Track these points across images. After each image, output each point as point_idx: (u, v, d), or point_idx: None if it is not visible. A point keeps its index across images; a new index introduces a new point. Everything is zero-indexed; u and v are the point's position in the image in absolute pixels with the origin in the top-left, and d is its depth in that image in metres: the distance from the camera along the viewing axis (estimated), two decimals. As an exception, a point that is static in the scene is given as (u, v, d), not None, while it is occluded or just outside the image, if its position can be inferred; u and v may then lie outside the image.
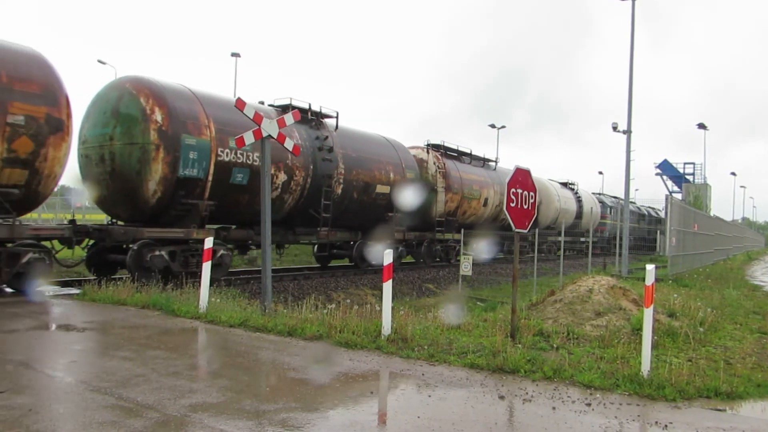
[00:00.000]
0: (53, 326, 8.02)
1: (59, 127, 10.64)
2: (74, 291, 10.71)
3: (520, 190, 7.43)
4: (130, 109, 12.66)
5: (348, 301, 10.24)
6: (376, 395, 5.45)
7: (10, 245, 10.38)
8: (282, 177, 15.13)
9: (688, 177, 61.23)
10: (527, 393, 5.31)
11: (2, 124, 9.82)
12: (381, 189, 18.58)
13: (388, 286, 7.18)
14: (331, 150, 16.73)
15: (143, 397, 4.81)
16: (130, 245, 12.37)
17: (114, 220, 13.75)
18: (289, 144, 10.04)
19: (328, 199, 16.54)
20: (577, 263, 30.85)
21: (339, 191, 17.02)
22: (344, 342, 6.93)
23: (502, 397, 5.20)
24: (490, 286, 21.88)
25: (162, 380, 5.33)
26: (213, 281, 14.30)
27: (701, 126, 50.76)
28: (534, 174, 8.10)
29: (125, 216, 13.42)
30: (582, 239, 38.24)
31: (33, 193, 10.68)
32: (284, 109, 16.26)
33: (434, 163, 23.08)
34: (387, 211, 19.07)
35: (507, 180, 7.31)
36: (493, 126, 51.02)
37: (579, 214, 36.91)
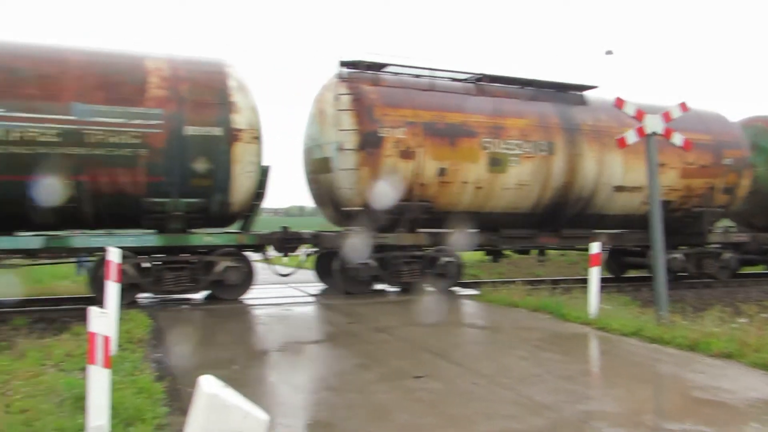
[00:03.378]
0: (459, 323, 8.98)
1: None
2: (473, 292, 11.82)
3: None
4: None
5: (764, 315, 8.74)
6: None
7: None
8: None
9: None
10: None
11: (720, 166, 14.32)
12: None
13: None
14: None
15: (540, 396, 4.98)
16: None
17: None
18: (677, 139, 9.18)
19: None
20: None
21: None
22: (763, 363, 5.94)
23: None
24: None
25: (557, 382, 5.44)
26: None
27: None
28: None
29: (761, 225, 16.53)
30: None
31: None
32: None
33: None
34: None
35: None
36: None
37: None
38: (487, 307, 10.07)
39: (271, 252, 11.55)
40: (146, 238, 10.29)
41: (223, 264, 10.49)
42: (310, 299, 11.29)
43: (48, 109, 9.31)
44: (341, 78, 11.77)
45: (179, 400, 4.84)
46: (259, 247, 11.22)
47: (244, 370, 5.92)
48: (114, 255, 6.61)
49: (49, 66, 9.63)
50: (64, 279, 14.47)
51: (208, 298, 10.83)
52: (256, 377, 5.65)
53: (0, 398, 4.83)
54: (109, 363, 3.78)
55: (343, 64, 11.88)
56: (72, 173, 9.45)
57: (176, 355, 6.55)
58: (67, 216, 9.84)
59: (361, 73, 11.81)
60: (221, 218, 10.89)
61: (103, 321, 3.76)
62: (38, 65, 9.56)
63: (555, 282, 12.82)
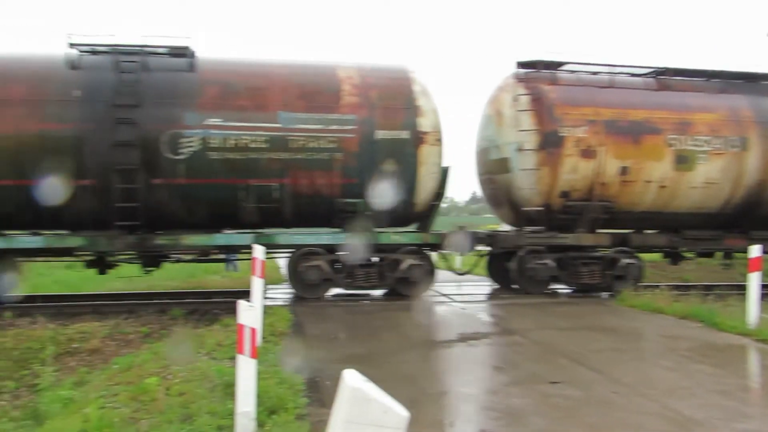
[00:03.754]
0: (601, 327, 8.52)
1: None
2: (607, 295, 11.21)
3: None
4: None
5: None
6: None
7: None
8: None
9: None
10: None
11: None
12: None
13: None
14: None
15: (690, 411, 4.62)
16: None
17: None
18: None
19: None
20: None
21: None
22: None
23: None
24: None
25: (709, 397, 5.01)
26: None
27: None
28: None
29: None
30: None
31: None
32: None
33: None
34: None
35: None
36: None
37: None
38: (628, 312, 9.50)
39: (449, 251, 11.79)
40: (340, 236, 10.86)
41: (408, 261, 10.88)
42: (472, 298, 11.29)
43: (258, 118, 10.26)
44: (519, 78, 11.85)
45: (318, 391, 5.06)
46: (437, 246, 11.47)
47: (380, 366, 6.05)
48: (259, 252, 7.06)
49: (257, 79, 10.61)
50: (214, 274, 15.68)
51: (387, 295, 11.14)
52: (390, 373, 5.76)
53: (162, 381, 5.34)
54: (255, 353, 4.04)
55: (520, 64, 11.96)
56: (277, 176, 10.31)
57: (314, 348, 6.85)
58: (270, 215, 10.65)
59: (537, 72, 11.85)
60: (405, 218, 11.30)
61: (251, 314, 4.03)
62: (248, 79, 10.57)
63: (707, 288, 11.81)
